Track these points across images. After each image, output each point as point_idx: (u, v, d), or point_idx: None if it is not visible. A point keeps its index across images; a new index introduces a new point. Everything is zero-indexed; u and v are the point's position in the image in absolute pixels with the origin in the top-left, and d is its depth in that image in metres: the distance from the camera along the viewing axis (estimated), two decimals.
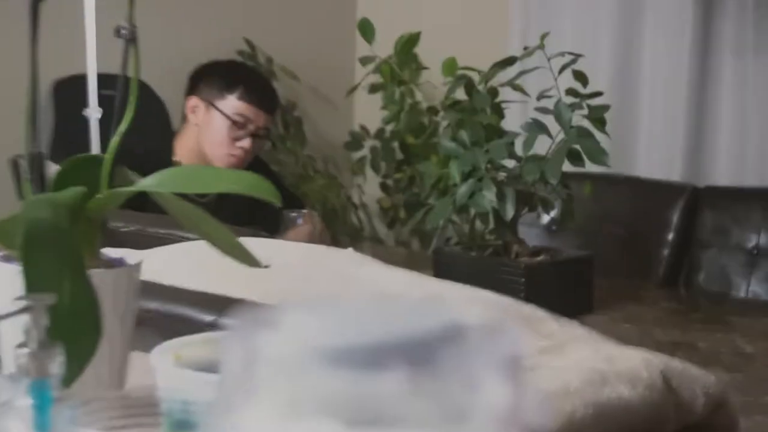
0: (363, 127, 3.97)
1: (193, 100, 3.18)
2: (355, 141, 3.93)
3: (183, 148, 3.18)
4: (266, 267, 1.05)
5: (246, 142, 3.15)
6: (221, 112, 3.10)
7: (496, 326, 0.29)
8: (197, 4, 3.76)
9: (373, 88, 3.85)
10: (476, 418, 0.28)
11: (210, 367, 0.85)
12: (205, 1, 3.81)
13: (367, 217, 4.04)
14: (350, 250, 2.12)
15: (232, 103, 3.12)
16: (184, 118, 3.29)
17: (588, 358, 1.36)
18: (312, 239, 2.84)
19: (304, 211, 3.17)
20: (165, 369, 0.84)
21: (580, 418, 1.23)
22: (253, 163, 3.28)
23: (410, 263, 2.31)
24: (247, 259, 1.04)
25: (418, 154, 3.56)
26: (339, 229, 3.88)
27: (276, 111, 3.41)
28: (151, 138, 3.04)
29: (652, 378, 1.33)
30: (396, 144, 3.77)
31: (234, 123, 3.11)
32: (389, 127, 3.77)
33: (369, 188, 4.03)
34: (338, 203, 3.93)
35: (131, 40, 1.05)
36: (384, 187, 3.89)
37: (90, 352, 0.91)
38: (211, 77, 3.24)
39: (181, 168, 1.03)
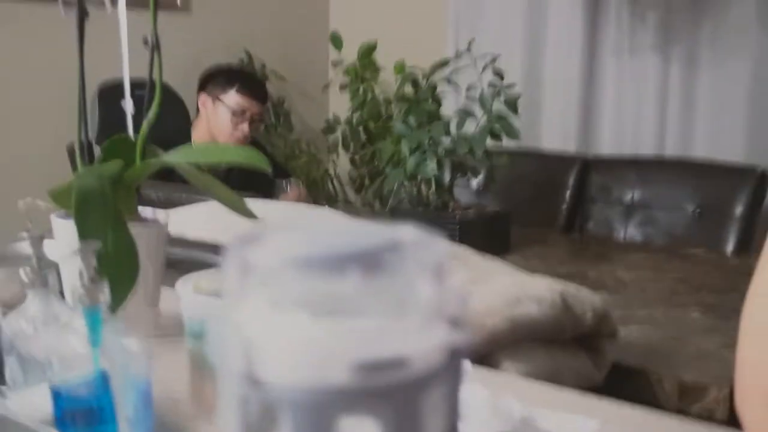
0: (335, 116, 3.96)
1: (203, 96, 3.22)
2: (330, 127, 3.93)
3: (197, 134, 3.22)
4: (263, 221, 1.05)
5: (245, 127, 3.18)
6: (224, 104, 3.12)
7: (426, 239, 0.30)
8: (208, 22, 3.73)
9: (342, 86, 3.86)
10: (413, 309, 0.28)
11: (217, 294, 0.86)
12: (214, 20, 3.77)
13: (340, 185, 4.04)
14: (326, 208, 2.12)
15: (232, 97, 3.14)
16: (197, 111, 3.30)
17: (505, 285, 1.37)
18: (298, 201, 2.87)
19: (292, 180, 3.20)
20: (186, 295, 0.85)
21: (500, 330, 1.25)
22: (252, 144, 3.30)
23: (374, 219, 2.32)
24: (247, 214, 1.05)
25: (377, 136, 3.57)
26: (319, 195, 3.88)
27: (266, 101, 3.39)
28: (172, 127, 3.04)
29: (554, 299, 1.35)
30: (360, 128, 3.77)
31: (234, 112, 3.12)
32: (355, 116, 3.77)
33: (341, 163, 4.03)
34: (318, 175, 3.94)
35: (155, 47, 1.04)
36: (352, 161, 3.90)
37: (129, 287, 0.91)
38: (216, 77, 3.26)
39: (196, 145, 1.03)
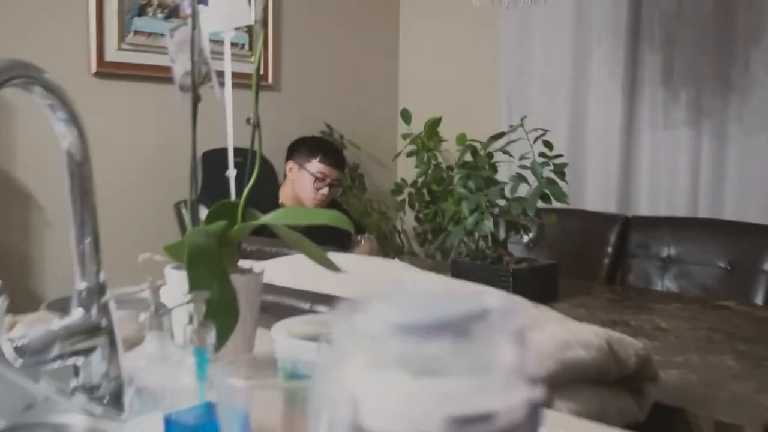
0: (403, 180, 3.99)
1: (290, 163, 3.31)
2: (398, 189, 3.95)
3: (284, 195, 3.30)
4: (343, 272, 1.05)
5: (325, 190, 3.28)
6: (308, 171, 3.18)
7: (508, 309, 0.29)
8: (294, 98, 3.80)
9: (410, 154, 3.88)
10: (498, 369, 0.28)
11: (309, 337, 0.86)
12: (299, 97, 3.84)
13: (406, 239, 4.05)
14: (396, 260, 2.13)
15: (315, 165, 3.23)
16: (284, 175, 3.38)
17: (557, 331, 1.35)
18: (371, 254, 2.88)
19: (365, 235, 3.23)
20: (280, 339, 0.85)
21: (553, 372, 1.23)
22: (330, 203, 3.35)
23: (436, 270, 2.31)
24: (330, 266, 1.05)
25: (439, 197, 3.58)
26: (388, 248, 3.89)
27: (344, 168, 3.49)
28: (263, 189, 3.07)
29: (600, 344, 1.32)
30: (425, 190, 3.79)
31: (317, 178, 3.18)
32: (420, 180, 3.79)
33: (407, 220, 4.04)
34: (387, 230, 3.96)
35: (256, 126, 1.07)
36: (417, 219, 3.91)
37: (230, 329, 0.92)
38: (302, 147, 3.37)
39: (286, 208, 1.04)
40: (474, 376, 0.28)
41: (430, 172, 3.70)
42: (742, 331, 2.09)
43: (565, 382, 1.25)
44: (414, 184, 3.85)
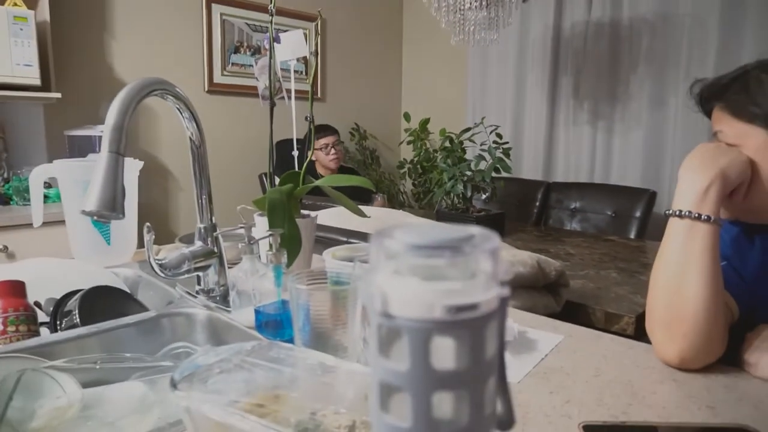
0: (405, 159, 3.94)
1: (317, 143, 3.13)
2: (401, 165, 3.91)
3: (318, 167, 3.15)
4: (368, 217, 1.04)
5: (332, 152, 3.10)
6: (317, 147, 3.09)
7: (487, 235, 0.28)
8: (335, 105, 3.75)
9: (409, 142, 3.84)
10: (479, 275, 0.27)
11: (346, 259, 0.85)
12: (338, 104, 3.79)
13: (406, 198, 4.03)
14: (401, 211, 2.11)
15: (318, 142, 3.08)
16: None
17: (506, 255, 1.34)
18: (383, 206, 2.84)
19: (380, 195, 3.19)
20: (328, 259, 0.84)
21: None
22: (353, 172, 3.28)
23: (427, 217, 2.29)
24: (360, 213, 1.04)
25: (428, 170, 3.54)
26: (395, 203, 3.87)
27: (336, 132, 3.19)
28: (311, 165, 3.05)
29: (532, 263, 1.31)
30: (419, 166, 3.75)
31: (324, 148, 3.08)
32: (416, 159, 3.75)
33: (407, 185, 4.01)
34: (394, 192, 3.93)
35: (312, 121, 1.04)
36: (414, 185, 3.88)
37: (296, 253, 0.91)
38: (317, 133, 3.13)
39: (330, 176, 1.01)
40: (463, 279, 0.26)
41: (422, 154, 3.66)
42: (622, 255, 2.07)
43: (511, 288, 1.24)
44: (412, 161, 3.82)
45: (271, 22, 1.03)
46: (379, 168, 3.97)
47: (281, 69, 1.12)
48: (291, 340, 0.75)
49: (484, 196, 2.55)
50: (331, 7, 3.66)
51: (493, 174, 2.27)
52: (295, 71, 1.29)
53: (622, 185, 2.91)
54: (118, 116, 0.71)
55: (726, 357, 0.72)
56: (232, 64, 3.20)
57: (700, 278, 0.69)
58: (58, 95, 2.27)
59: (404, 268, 0.26)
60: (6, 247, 2.02)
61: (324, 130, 3.12)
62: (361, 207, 1.08)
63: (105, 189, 0.69)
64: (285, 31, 1.13)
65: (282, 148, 3.10)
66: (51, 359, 0.72)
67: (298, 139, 1.14)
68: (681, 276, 0.71)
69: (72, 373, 0.71)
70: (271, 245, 0.83)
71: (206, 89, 3.11)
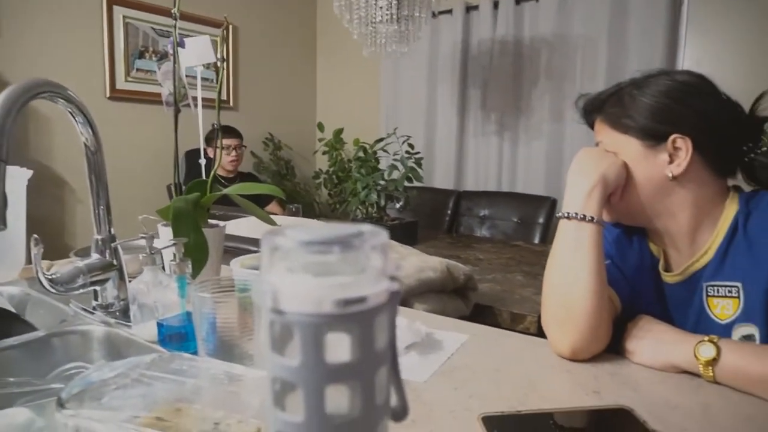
0: (320, 169, 3.93)
1: (209, 149, 3.04)
2: (317, 175, 3.88)
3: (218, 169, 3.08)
4: (278, 225, 1.03)
5: (233, 154, 3.05)
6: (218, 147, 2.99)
7: (376, 231, 0.29)
8: (248, 115, 3.67)
9: (324, 152, 3.82)
10: (369, 270, 0.28)
11: (256, 267, 0.84)
12: (251, 114, 3.71)
13: (321, 208, 4.01)
14: (315, 220, 2.10)
15: (224, 141, 3.00)
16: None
17: (416, 261, 1.36)
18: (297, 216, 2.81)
19: (295, 205, 3.14)
20: (236, 269, 0.82)
21: (412, 286, 1.24)
22: (250, 177, 3.22)
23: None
24: (272, 223, 1.02)
25: (343, 180, 3.54)
26: (310, 213, 3.84)
27: (239, 136, 3.13)
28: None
29: (442, 268, 1.35)
30: (334, 176, 3.74)
31: (225, 148, 3.01)
32: (331, 169, 3.74)
33: (323, 195, 4.00)
34: (309, 201, 3.90)
35: (218, 129, 1.02)
36: (329, 194, 3.86)
37: (203, 264, 0.88)
38: (210, 134, 3.03)
39: (240, 184, 0.98)
40: (353, 274, 0.27)
41: (337, 164, 3.66)
42: (527, 259, 2.18)
43: (421, 292, 1.27)
44: (327, 172, 3.80)
45: (175, 26, 1.00)
46: (294, 178, 3.93)
47: (187, 75, 1.08)
48: (196, 353, 0.72)
49: (398, 205, 2.59)
50: (244, 15, 3.59)
51: (406, 183, 2.33)
52: (205, 78, 1.25)
53: (526, 193, 3.08)
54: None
55: (611, 346, 0.78)
56: (137, 69, 3.05)
57: (588, 275, 0.75)
58: None
59: (296, 266, 0.27)
60: None
61: (228, 132, 3.04)
62: (277, 218, 1.07)
63: None
64: (192, 37, 1.10)
65: (192, 158, 3.00)
66: None
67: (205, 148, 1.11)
68: (571, 274, 0.76)
69: None
70: (174, 255, 0.80)
71: (108, 95, 2.94)
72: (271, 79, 3.86)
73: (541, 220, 2.84)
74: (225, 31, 3.49)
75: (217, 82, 3.67)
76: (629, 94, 0.83)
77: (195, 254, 0.88)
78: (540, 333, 1.22)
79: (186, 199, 0.93)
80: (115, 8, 2.93)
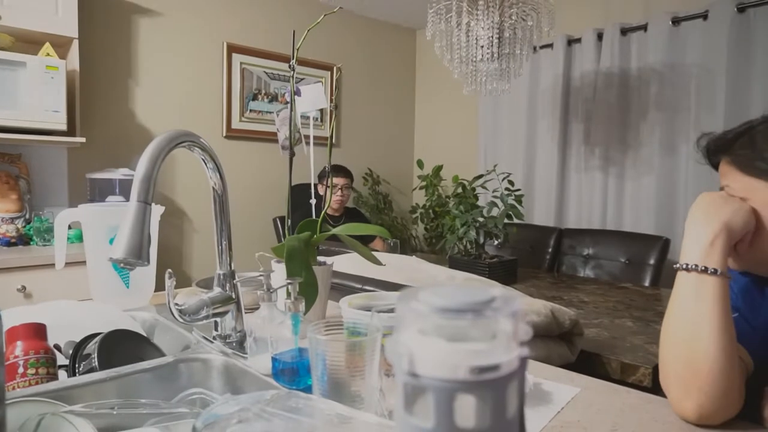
0: (417, 204, 3.97)
1: (319, 186, 3.09)
2: (414, 210, 3.94)
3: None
4: (383, 264, 1.05)
5: (339, 194, 3.08)
6: (325, 185, 3.02)
7: (508, 297, 0.29)
8: (350, 152, 3.81)
9: (422, 188, 3.87)
10: (500, 336, 0.28)
11: (362, 308, 0.86)
12: (353, 151, 3.85)
13: (418, 243, 4.04)
14: (414, 257, 2.11)
15: (333, 180, 3.06)
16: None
17: None
18: (394, 252, 2.85)
19: (392, 240, 3.19)
20: (345, 308, 0.85)
21: None
22: (354, 214, 3.26)
23: (439, 262, 2.29)
24: (375, 261, 1.05)
25: (441, 216, 3.56)
26: (407, 248, 3.88)
27: (348, 175, 3.17)
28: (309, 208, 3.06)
29: (546, 312, 1.30)
30: (431, 211, 3.77)
31: (333, 186, 3.06)
32: (428, 204, 3.77)
33: (419, 230, 4.03)
34: (406, 236, 3.94)
35: (330, 172, 1.07)
36: (426, 229, 3.89)
37: (313, 301, 0.92)
38: (322, 172, 3.09)
39: (347, 225, 1.01)
40: (485, 340, 0.28)
41: (434, 199, 3.69)
42: (637, 303, 2.05)
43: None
44: (424, 206, 3.84)
45: (293, 76, 1.08)
46: (391, 212, 4.00)
47: (301, 118, 1.16)
48: (307, 389, 0.75)
49: (496, 242, 2.55)
50: (347, 54, 3.78)
51: (506, 220, 2.29)
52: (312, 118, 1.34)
53: (635, 232, 2.90)
54: (147, 167, 0.74)
55: (744, 412, 0.71)
56: (250, 110, 3.30)
57: (713, 332, 0.69)
58: (83, 140, 2.35)
59: (429, 328, 0.28)
60: (24, 287, 2.05)
61: (337, 170, 3.13)
62: (376, 254, 1.09)
63: (132, 237, 0.71)
64: (301, 79, 1.17)
65: (297, 192, 3.14)
66: (69, 403, 0.74)
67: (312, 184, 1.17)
68: (693, 330, 0.71)
69: (89, 418, 0.72)
70: (289, 293, 0.84)
71: (224, 134, 3.20)
72: (371, 117, 4.00)
73: (652, 261, 2.66)
74: (334, 77, 3.68)
75: (322, 121, 3.87)
76: (763, 134, 0.77)
77: (306, 292, 0.92)
78: (655, 387, 1.14)
79: (299, 238, 0.99)
80: (234, 55, 3.21)
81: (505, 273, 2.31)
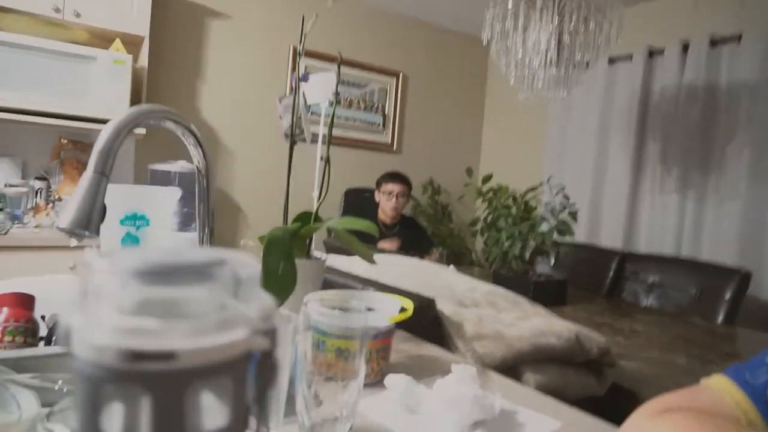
0: (478, 216, 3.83)
1: (376, 192, 3.00)
2: (474, 222, 3.78)
3: (379, 214, 3.01)
4: (375, 263, 0.97)
5: (393, 201, 2.95)
6: (381, 192, 2.97)
7: (240, 259, 0.21)
8: (410, 159, 3.75)
9: (484, 200, 3.71)
10: (209, 316, 0.20)
11: (338, 307, 0.78)
12: (413, 158, 3.78)
13: (477, 257, 3.89)
14: (451, 266, 1.98)
15: (384, 186, 2.96)
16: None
17: (539, 323, 1.20)
18: (437, 262, 2.70)
19: (439, 248, 3.07)
20: (311, 303, 0.78)
21: (525, 351, 1.07)
22: (409, 221, 3.14)
23: (480, 277, 2.16)
24: (369, 259, 0.97)
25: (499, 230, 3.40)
26: (463, 261, 3.74)
27: (405, 182, 3.02)
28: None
29: (569, 335, 1.16)
30: (492, 225, 3.61)
31: (387, 194, 2.96)
32: (489, 218, 3.61)
33: (479, 243, 3.87)
34: (459, 248, 3.80)
35: (327, 163, 1.01)
36: (485, 243, 3.73)
37: (287, 293, 0.86)
38: (378, 179, 3.03)
39: (344, 218, 0.94)
40: (213, 317, 0.20)
41: (494, 212, 3.53)
42: (699, 339, 1.81)
43: (535, 359, 1.09)
44: (485, 219, 3.68)
45: (298, 63, 1.03)
46: (450, 223, 3.88)
47: (313, 113, 1.11)
48: None
49: (552, 261, 2.38)
50: (417, 63, 3.73)
51: (558, 237, 2.12)
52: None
53: (709, 262, 2.60)
54: (108, 139, 0.71)
55: None
56: (312, 113, 3.33)
57: None
58: (143, 131, 2.45)
59: (123, 300, 0.20)
60: (75, 266, 2.15)
61: (393, 177, 3.03)
62: (382, 256, 1.02)
63: (82, 208, 0.68)
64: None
65: (351, 197, 3.11)
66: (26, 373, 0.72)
67: (365, 188, 1.10)
68: None
69: (37, 390, 0.69)
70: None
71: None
72: (436, 125, 3.92)
73: (727, 296, 2.37)
74: (398, 81, 3.63)
75: (384, 128, 3.78)
76: None
77: (282, 283, 0.86)
78: None
79: (284, 228, 0.93)
80: (301, 59, 3.24)
81: (551, 293, 2.14)
